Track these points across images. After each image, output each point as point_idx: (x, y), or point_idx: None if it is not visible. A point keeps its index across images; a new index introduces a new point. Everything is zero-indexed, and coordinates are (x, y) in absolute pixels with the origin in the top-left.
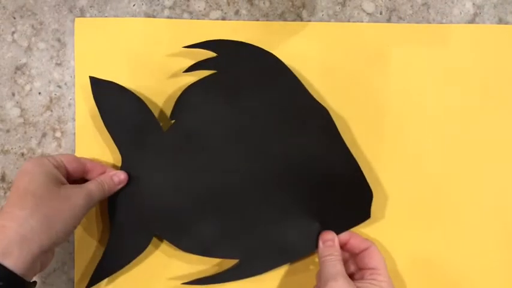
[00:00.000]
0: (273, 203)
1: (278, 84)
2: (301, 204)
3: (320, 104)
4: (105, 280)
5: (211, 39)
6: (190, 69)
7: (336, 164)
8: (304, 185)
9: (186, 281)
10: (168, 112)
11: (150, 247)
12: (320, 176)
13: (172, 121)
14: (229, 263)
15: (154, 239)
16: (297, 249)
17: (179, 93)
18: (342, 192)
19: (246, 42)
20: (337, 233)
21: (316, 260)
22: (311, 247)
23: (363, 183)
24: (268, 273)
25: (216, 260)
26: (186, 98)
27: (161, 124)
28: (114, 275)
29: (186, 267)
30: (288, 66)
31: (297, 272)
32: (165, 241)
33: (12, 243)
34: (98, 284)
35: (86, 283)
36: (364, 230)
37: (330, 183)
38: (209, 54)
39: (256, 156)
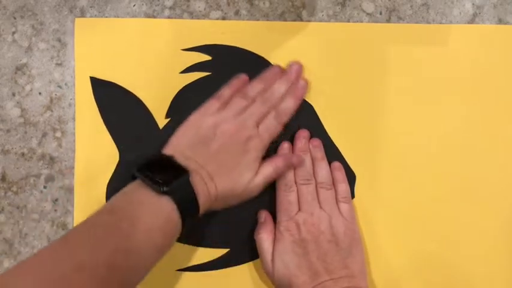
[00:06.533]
0: (259, 197)
1: None
2: None
3: (306, 101)
4: None
5: (211, 40)
6: (186, 70)
7: None
8: None
9: (180, 267)
10: (165, 111)
11: None
12: None
13: (168, 119)
14: (220, 252)
15: None
16: None
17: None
18: None
19: (244, 43)
20: None
21: None
22: None
23: (346, 166)
24: (255, 262)
25: (208, 250)
26: (181, 97)
27: (158, 122)
28: None
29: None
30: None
31: None
32: None
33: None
34: None
35: None
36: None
37: None
38: (207, 56)
39: None
